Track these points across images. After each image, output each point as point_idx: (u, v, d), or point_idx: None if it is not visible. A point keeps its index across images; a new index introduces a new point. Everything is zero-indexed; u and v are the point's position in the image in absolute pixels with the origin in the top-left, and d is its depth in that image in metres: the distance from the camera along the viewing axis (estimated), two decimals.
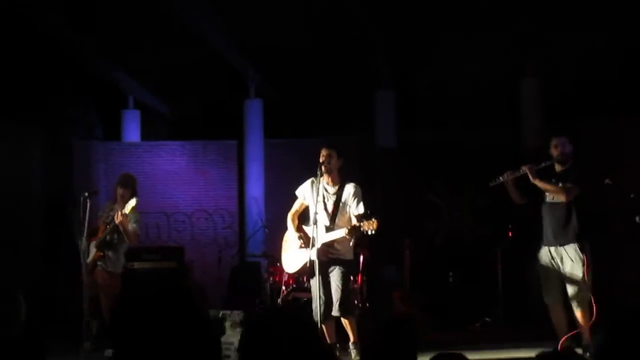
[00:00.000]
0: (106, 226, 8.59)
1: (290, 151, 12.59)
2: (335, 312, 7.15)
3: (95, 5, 10.77)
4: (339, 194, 7.32)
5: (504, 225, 10.88)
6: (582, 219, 7.45)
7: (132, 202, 8.33)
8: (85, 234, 8.12)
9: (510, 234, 10.77)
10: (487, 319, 10.56)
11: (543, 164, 7.51)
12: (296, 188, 7.58)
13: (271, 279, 9.99)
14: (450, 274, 11.18)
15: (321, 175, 7.26)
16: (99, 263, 8.51)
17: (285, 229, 7.76)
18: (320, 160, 7.23)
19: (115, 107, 13.28)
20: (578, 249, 7.36)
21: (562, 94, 11.64)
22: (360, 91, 12.32)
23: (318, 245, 7.13)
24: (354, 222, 7.15)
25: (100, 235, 8.58)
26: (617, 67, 11.20)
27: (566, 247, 7.39)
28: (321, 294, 7.20)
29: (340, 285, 7.21)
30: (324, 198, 7.35)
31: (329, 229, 7.23)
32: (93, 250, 8.52)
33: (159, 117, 13.97)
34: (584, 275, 7.31)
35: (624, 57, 11.16)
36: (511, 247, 10.75)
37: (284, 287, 9.63)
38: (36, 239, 11.86)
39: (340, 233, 7.14)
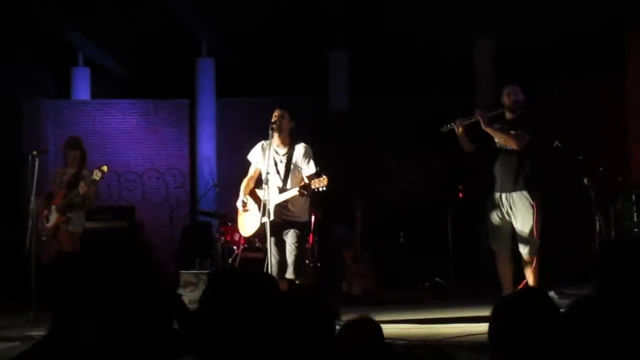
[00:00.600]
0: (66, 191, 8.48)
1: (243, 111, 12.59)
2: (289, 274, 7.13)
3: None
4: (289, 155, 7.27)
5: (455, 186, 11.01)
6: (534, 167, 7.39)
7: (104, 169, 8.32)
8: (33, 193, 8.03)
9: (460, 195, 10.88)
10: (438, 279, 10.68)
11: (495, 112, 7.45)
12: (248, 148, 7.53)
13: (222, 238, 9.97)
14: (402, 234, 11.26)
15: (272, 136, 7.21)
16: (62, 226, 8.45)
17: (237, 188, 7.71)
18: (272, 120, 7.18)
19: (65, 64, 13.20)
20: (529, 196, 7.30)
21: (516, 56, 11.64)
22: (314, 52, 12.26)
23: (271, 206, 7.11)
24: (306, 181, 7.14)
25: (60, 200, 8.47)
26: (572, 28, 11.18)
27: (516, 194, 7.33)
28: (275, 255, 7.18)
29: (294, 248, 7.18)
30: (274, 160, 7.31)
31: (282, 190, 7.22)
32: (54, 215, 8.45)
33: (110, 75, 13.86)
34: (533, 224, 7.29)
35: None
36: (461, 207, 10.87)
37: (235, 247, 9.64)
38: None
39: (292, 192, 7.11)
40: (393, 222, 11.55)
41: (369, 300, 9.09)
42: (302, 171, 7.22)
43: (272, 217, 7.10)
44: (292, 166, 7.25)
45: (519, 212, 7.34)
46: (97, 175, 8.25)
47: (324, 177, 6.93)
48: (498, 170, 7.47)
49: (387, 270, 10.30)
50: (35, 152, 8.13)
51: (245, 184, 7.47)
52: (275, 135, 7.21)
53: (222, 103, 12.81)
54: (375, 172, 12.09)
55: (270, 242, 7.13)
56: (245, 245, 9.59)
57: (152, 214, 11.90)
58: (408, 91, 12.18)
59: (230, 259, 9.50)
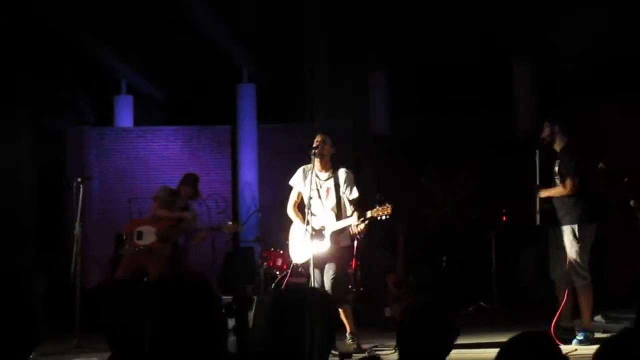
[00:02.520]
0: (174, 223, 8.94)
1: (283, 136, 12.62)
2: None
3: None
4: (335, 181, 7.29)
5: (498, 209, 10.89)
6: (588, 203, 7.59)
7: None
8: (78, 220, 8.10)
9: (504, 218, 10.76)
10: (482, 303, 10.59)
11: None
12: (289, 173, 7.55)
13: (265, 264, 9.96)
14: (444, 258, 11.21)
15: (313, 161, 7.20)
16: (157, 250, 8.80)
17: (279, 214, 7.71)
18: (314, 146, 7.17)
19: (107, 92, 13.26)
20: (576, 230, 7.44)
21: (556, 78, 11.55)
22: (353, 74, 12.24)
23: (327, 233, 7.13)
24: (348, 207, 7.18)
25: (164, 228, 8.82)
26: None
27: (565, 227, 7.50)
28: (318, 280, 7.19)
29: (335, 275, 7.20)
30: (316, 185, 7.30)
31: (337, 217, 7.21)
32: (153, 237, 8.75)
33: (153, 102, 13.93)
34: (577, 257, 7.41)
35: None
36: (505, 231, 10.79)
37: (277, 272, 9.62)
38: (29, 222, 11.82)
39: (351, 220, 7.15)
40: (435, 246, 11.54)
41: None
42: (345, 196, 7.20)
43: (329, 244, 7.12)
44: (340, 192, 7.23)
45: (567, 246, 7.51)
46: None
47: (387, 205, 6.95)
48: (554, 205, 7.71)
49: (430, 295, 10.18)
50: (79, 179, 8.23)
51: (293, 211, 7.44)
52: (317, 160, 7.21)
53: (263, 129, 12.82)
54: (415, 196, 12.00)
55: (314, 268, 7.13)
56: (288, 270, 9.58)
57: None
58: (446, 113, 12.15)
59: (274, 285, 9.47)
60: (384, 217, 7.06)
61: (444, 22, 11.17)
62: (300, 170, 7.33)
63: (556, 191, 7.66)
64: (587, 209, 7.60)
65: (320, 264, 7.16)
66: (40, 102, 12.06)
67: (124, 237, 8.93)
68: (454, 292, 10.78)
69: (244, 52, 12.48)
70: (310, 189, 7.17)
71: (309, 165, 7.26)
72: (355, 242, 8.16)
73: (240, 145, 12.76)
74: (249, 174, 12.64)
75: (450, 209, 12.14)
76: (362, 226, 7.12)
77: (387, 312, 9.44)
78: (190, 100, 13.45)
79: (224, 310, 7.82)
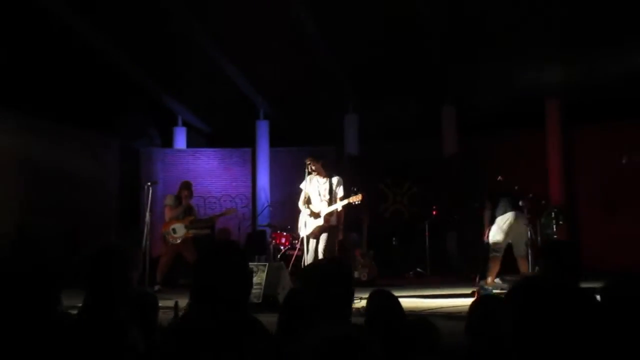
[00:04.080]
0: (192, 218, 8.77)
1: (287, 156, 12.47)
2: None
3: (155, 49, 10.66)
4: (330, 184, 7.29)
5: (430, 206, 10.98)
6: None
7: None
8: (148, 210, 7.97)
9: (434, 213, 10.85)
10: (419, 269, 10.59)
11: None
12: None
13: (273, 242, 9.97)
14: (394, 238, 11.19)
15: (309, 174, 7.25)
16: (188, 238, 8.66)
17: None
18: (307, 168, 7.23)
19: (169, 124, 13.23)
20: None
21: (474, 116, 11.47)
22: (334, 113, 12.20)
23: (322, 214, 7.13)
24: (337, 200, 7.19)
25: (187, 223, 8.69)
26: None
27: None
28: (312, 252, 7.13)
29: (326, 244, 7.18)
30: (317, 186, 7.33)
31: (330, 204, 7.19)
32: (183, 230, 8.61)
33: (199, 131, 13.86)
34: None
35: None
36: (435, 220, 10.84)
37: (282, 247, 9.63)
38: (114, 213, 11.79)
39: (339, 205, 7.15)
40: (388, 230, 11.44)
41: (372, 284, 9.01)
42: (337, 192, 7.25)
43: (322, 222, 7.12)
44: (333, 190, 7.28)
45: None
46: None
47: (359, 194, 6.99)
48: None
49: (384, 264, 10.21)
50: (149, 183, 8.12)
51: (304, 203, 7.30)
52: (314, 173, 7.26)
53: (273, 151, 12.74)
54: (376, 197, 11.92)
55: (310, 243, 7.13)
56: (289, 246, 9.59)
57: (226, 225, 11.86)
58: (397, 140, 11.98)
59: (279, 255, 9.48)
60: (357, 202, 7.06)
61: (400, 81, 10.97)
62: (308, 178, 7.30)
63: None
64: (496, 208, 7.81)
65: (317, 235, 7.15)
66: (124, 131, 12.02)
67: (163, 234, 8.70)
68: (400, 262, 10.79)
69: (262, 98, 12.39)
70: (311, 190, 7.23)
71: (311, 175, 7.28)
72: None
73: (257, 162, 12.67)
74: (263, 181, 12.56)
75: (398, 205, 12.11)
76: (341, 206, 7.16)
77: (355, 274, 9.46)
78: (224, 131, 13.35)
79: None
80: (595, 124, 10.55)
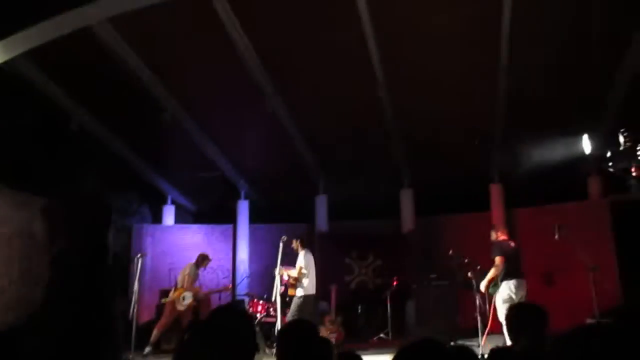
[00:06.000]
0: (198, 288, 9.05)
1: (265, 232, 12.43)
2: None
3: (148, 136, 10.74)
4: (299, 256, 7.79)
5: (391, 277, 11.06)
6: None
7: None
8: (137, 280, 7.86)
9: (395, 283, 10.90)
10: (382, 335, 10.55)
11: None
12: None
13: (250, 309, 10.05)
14: (359, 306, 11.08)
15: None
16: (193, 306, 8.85)
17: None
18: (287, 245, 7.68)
19: (159, 203, 13.23)
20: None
21: (429, 198, 11.68)
22: (306, 196, 12.45)
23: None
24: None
25: (197, 291, 8.94)
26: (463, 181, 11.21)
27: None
28: (281, 316, 7.45)
29: (295, 312, 7.45)
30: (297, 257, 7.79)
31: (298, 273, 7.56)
32: (190, 300, 8.80)
33: (186, 210, 13.84)
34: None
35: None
36: (396, 291, 10.82)
37: (258, 314, 9.76)
38: (109, 285, 11.67)
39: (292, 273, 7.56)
40: (354, 299, 11.34)
41: (339, 348, 9.02)
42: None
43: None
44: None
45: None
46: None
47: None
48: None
49: (350, 330, 10.14)
50: (139, 255, 8.23)
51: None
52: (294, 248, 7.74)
53: (252, 227, 12.73)
54: (343, 269, 11.90)
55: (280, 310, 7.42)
56: (265, 314, 9.70)
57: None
58: (361, 219, 12.08)
59: (256, 322, 9.57)
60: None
61: (364, 168, 11.23)
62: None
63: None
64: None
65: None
66: (117, 209, 12.17)
67: (174, 301, 8.79)
68: (365, 328, 10.72)
69: (243, 181, 12.54)
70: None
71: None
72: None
73: (238, 237, 12.65)
74: (243, 254, 12.51)
75: (363, 277, 12.02)
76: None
77: None
78: (208, 209, 13.46)
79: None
80: (530, 206, 11.19)
